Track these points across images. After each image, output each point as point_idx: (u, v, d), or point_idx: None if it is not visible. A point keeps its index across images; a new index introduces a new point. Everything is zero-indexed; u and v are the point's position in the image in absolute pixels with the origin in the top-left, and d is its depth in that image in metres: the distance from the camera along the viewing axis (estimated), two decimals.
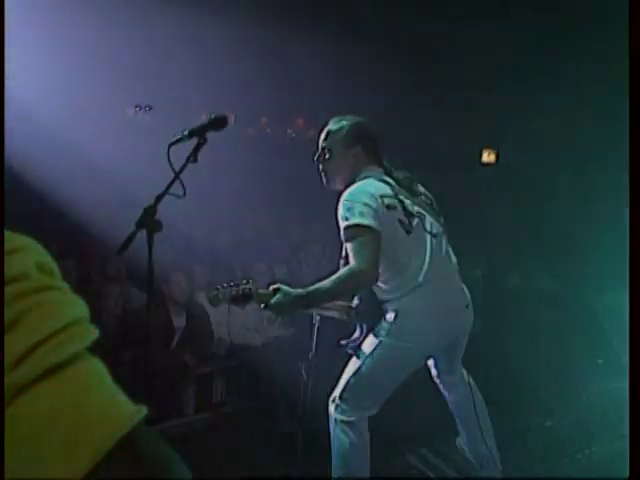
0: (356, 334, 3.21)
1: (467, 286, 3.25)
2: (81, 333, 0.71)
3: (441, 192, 3.49)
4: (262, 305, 3.04)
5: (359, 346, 3.14)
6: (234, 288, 3.05)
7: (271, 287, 3.04)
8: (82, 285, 5.56)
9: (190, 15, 5.89)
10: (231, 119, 8.29)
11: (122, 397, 0.71)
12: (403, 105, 7.51)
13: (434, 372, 3.42)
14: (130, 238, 2.77)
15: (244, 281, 3.07)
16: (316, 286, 2.96)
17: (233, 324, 5.83)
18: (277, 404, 4.43)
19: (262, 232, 6.84)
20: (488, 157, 9.54)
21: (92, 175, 6.20)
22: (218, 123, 2.71)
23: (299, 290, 2.98)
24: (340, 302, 3.22)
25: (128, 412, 0.68)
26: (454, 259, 3.25)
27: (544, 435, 4.07)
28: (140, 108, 8.21)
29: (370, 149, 3.22)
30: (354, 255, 2.92)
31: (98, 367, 0.71)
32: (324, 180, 3.27)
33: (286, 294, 2.98)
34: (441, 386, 3.43)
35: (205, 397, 5.31)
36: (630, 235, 1.96)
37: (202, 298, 5.76)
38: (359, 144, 3.18)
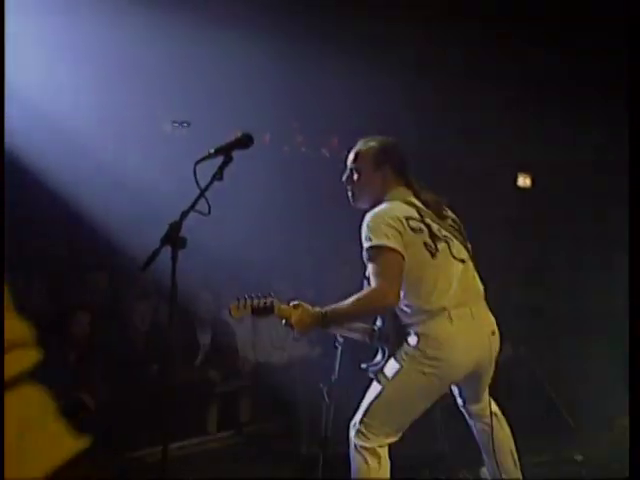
0: (378, 357, 3.14)
1: (497, 312, 3.18)
2: (22, 357, 0.68)
3: (472, 215, 3.44)
4: (283, 321, 3.06)
5: (381, 370, 3.07)
6: (255, 301, 3.07)
7: (292, 303, 3.06)
8: (112, 300, 5.61)
9: (229, 33, 5.92)
10: (266, 138, 8.47)
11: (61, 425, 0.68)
12: (436, 125, 7.44)
13: (459, 401, 3.31)
14: (154, 254, 2.74)
15: (266, 295, 3.09)
16: (336, 305, 2.95)
17: (259, 342, 5.84)
18: (300, 425, 4.36)
19: (290, 251, 6.81)
20: (524, 182, 9.35)
21: (127, 190, 6.24)
22: (244, 142, 2.71)
23: (319, 309, 2.98)
24: (362, 324, 3.18)
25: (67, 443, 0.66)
26: (481, 285, 3.17)
27: (575, 470, 3.93)
28: (178, 124, 8.25)
29: (398, 170, 3.17)
30: (375, 276, 2.88)
31: (39, 392, 0.68)
32: (351, 200, 3.22)
33: (306, 311, 3.00)
34: (467, 415, 3.33)
35: (230, 415, 5.30)
36: (630, 235, 1.89)
37: (228, 316, 5.78)
38: (387, 164, 3.13)
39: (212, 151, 2.69)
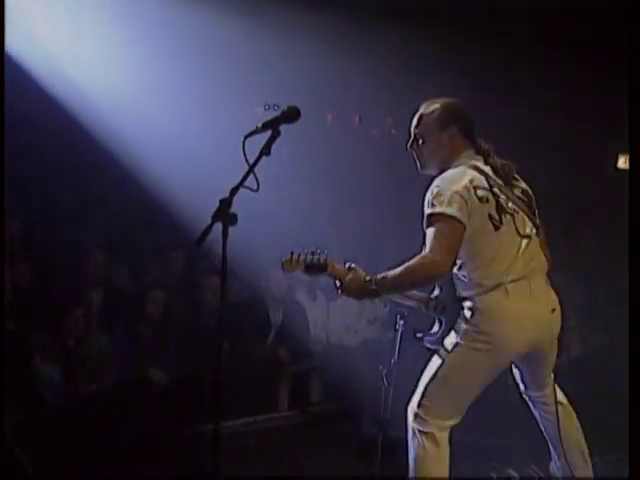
0: (435, 328, 3.05)
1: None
2: None
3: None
4: (337, 282, 2.99)
5: (439, 341, 2.97)
6: (309, 256, 3.03)
7: (347, 264, 2.99)
8: (185, 277, 5.70)
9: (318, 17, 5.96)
10: (356, 119, 8.43)
11: None
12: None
13: (521, 387, 3.17)
14: (207, 230, 2.75)
15: (320, 251, 3.03)
16: (386, 273, 2.86)
17: (332, 323, 5.81)
18: (363, 407, 4.31)
19: (366, 229, 6.74)
20: (624, 163, 8.84)
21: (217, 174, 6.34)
22: (291, 115, 2.64)
23: (370, 274, 2.90)
24: (417, 292, 3.07)
25: None
26: (545, 260, 2.99)
27: None
28: (269, 107, 8.30)
29: (465, 132, 3.00)
30: (430, 243, 2.75)
31: None
32: (419, 166, 3.08)
33: (358, 276, 2.93)
34: (530, 403, 3.18)
35: (300, 395, 5.31)
36: (630, 234, 1.72)
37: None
38: (453, 126, 2.98)
39: (260, 125, 2.65)
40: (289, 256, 3.06)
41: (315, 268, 3.03)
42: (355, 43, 6.30)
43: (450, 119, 2.99)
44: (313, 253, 3.03)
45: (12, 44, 6.12)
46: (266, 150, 2.67)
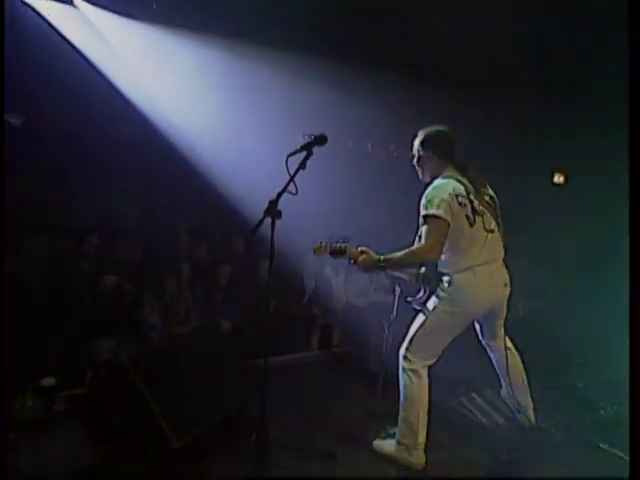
0: (420, 294, 3.02)
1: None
2: None
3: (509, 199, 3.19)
4: (351, 261, 2.99)
5: (424, 303, 2.96)
6: (333, 244, 3.03)
7: (359, 248, 2.99)
8: (245, 255, 5.68)
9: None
10: (369, 146, 8.40)
11: None
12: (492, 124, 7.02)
13: (480, 336, 3.15)
14: (260, 223, 2.78)
15: (342, 240, 3.03)
16: (392, 254, 2.87)
17: (349, 289, 5.77)
18: (370, 349, 4.27)
19: (374, 223, 6.68)
20: (558, 179, 8.61)
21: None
22: (320, 141, 2.70)
23: (379, 255, 2.92)
24: (411, 269, 3.07)
25: None
26: (502, 250, 2.95)
27: (576, 393, 3.62)
28: (306, 136, 8.21)
29: (444, 151, 2.94)
30: (425, 236, 2.75)
31: None
32: (420, 176, 3.04)
33: (369, 255, 2.93)
34: (487, 348, 3.16)
35: (326, 340, 5.29)
36: (630, 235, 1.62)
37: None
38: (442, 145, 2.93)
39: (299, 147, 2.65)
40: (318, 244, 3.07)
41: (337, 252, 3.04)
42: (368, 91, 6.28)
43: (439, 141, 2.93)
44: (336, 242, 3.03)
45: (122, 86, 6.24)
46: (302, 165, 2.68)
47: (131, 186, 6.52)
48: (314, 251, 3.09)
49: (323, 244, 3.05)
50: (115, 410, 3.10)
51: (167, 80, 6.22)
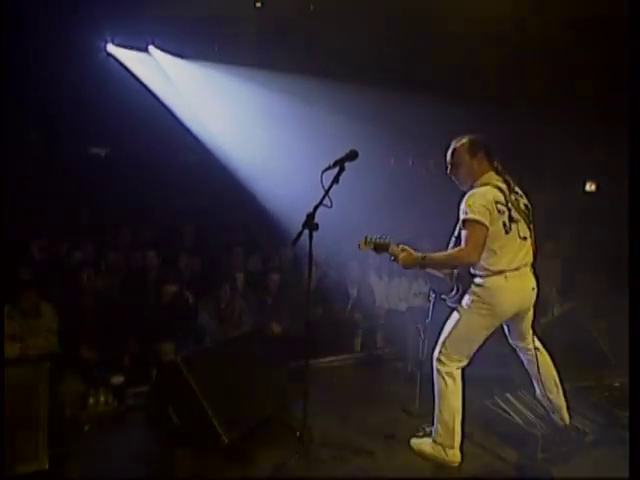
0: (454, 292, 2.90)
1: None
2: None
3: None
4: (392, 257, 2.92)
5: (457, 301, 2.85)
6: (376, 239, 2.97)
7: (400, 246, 2.93)
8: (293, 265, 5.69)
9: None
10: (409, 162, 8.43)
11: None
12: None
13: (509, 338, 3.01)
14: (299, 235, 2.78)
15: (384, 236, 2.98)
16: (432, 254, 2.80)
17: (390, 295, 5.67)
18: (408, 352, 4.16)
19: (415, 238, 6.56)
20: (590, 187, 8.17)
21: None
22: (352, 157, 2.66)
23: (420, 253, 2.84)
24: (446, 270, 2.97)
25: None
26: (532, 256, 2.81)
27: (612, 393, 3.37)
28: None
29: (488, 156, 2.82)
30: (466, 240, 2.65)
31: None
32: (458, 184, 2.89)
33: (410, 253, 2.86)
34: (517, 349, 3.02)
35: (368, 342, 5.20)
36: (630, 237, 1.48)
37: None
38: (480, 152, 2.80)
39: (332, 163, 2.62)
40: (363, 239, 3.01)
41: (380, 247, 2.97)
42: (406, 117, 6.33)
43: (477, 148, 2.80)
44: (380, 237, 2.99)
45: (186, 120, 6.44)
46: (336, 180, 2.66)
47: (195, 205, 6.75)
48: (359, 246, 3.03)
49: (367, 239, 3.00)
50: (172, 406, 3.15)
51: (220, 111, 6.42)
